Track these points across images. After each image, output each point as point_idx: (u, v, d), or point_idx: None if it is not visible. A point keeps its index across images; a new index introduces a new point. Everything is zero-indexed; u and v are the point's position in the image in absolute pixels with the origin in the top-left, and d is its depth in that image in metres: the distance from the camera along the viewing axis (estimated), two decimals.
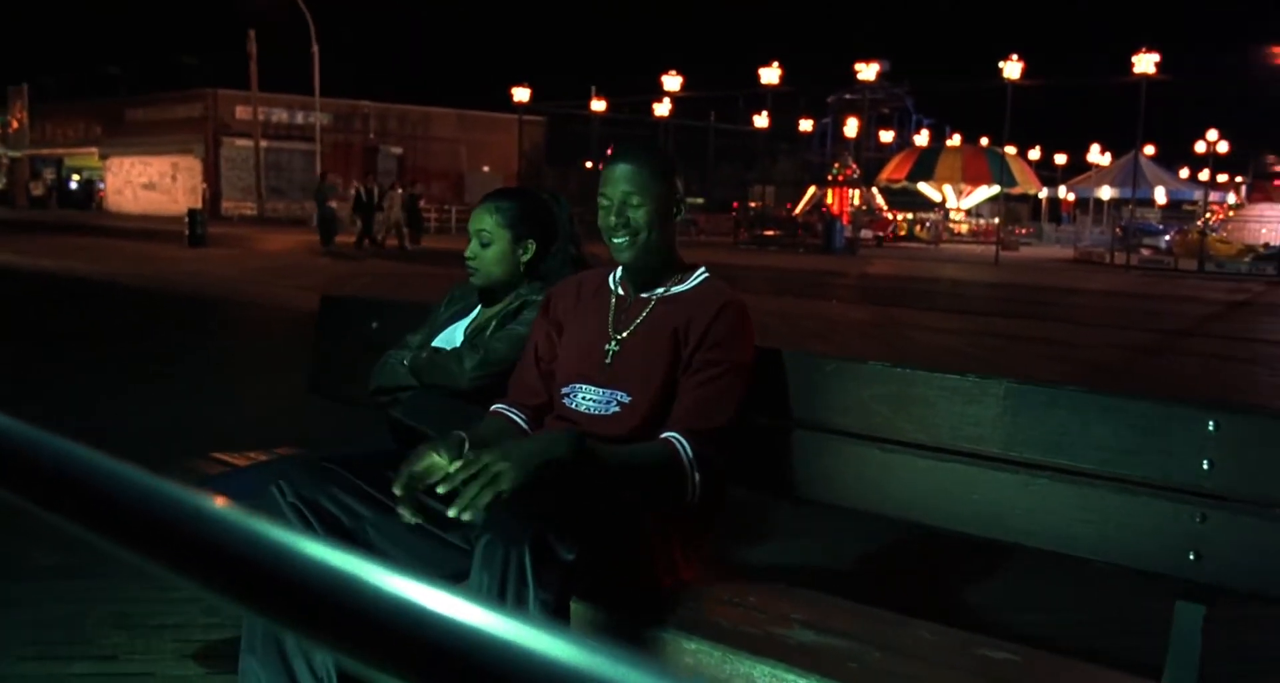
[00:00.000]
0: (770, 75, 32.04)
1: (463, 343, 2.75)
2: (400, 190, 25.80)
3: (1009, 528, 2.19)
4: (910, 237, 40.64)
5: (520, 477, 1.93)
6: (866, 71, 31.49)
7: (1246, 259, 25.71)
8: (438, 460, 2.07)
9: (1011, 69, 26.95)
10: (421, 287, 15.29)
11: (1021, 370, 8.94)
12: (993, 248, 31.96)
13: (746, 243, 35.35)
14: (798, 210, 42.42)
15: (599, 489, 2.10)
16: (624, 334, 2.37)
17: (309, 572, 0.37)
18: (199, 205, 33.80)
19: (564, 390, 2.39)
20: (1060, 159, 57.85)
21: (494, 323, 2.74)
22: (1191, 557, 1.98)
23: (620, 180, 2.32)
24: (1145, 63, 24.96)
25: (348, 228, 26.54)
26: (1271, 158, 33.49)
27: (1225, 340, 12.38)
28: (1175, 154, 52.75)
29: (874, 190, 42.81)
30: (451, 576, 2.19)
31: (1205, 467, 1.98)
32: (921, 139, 55.34)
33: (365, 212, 25.56)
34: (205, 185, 47.39)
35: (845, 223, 34.79)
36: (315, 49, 41.05)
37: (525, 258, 2.82)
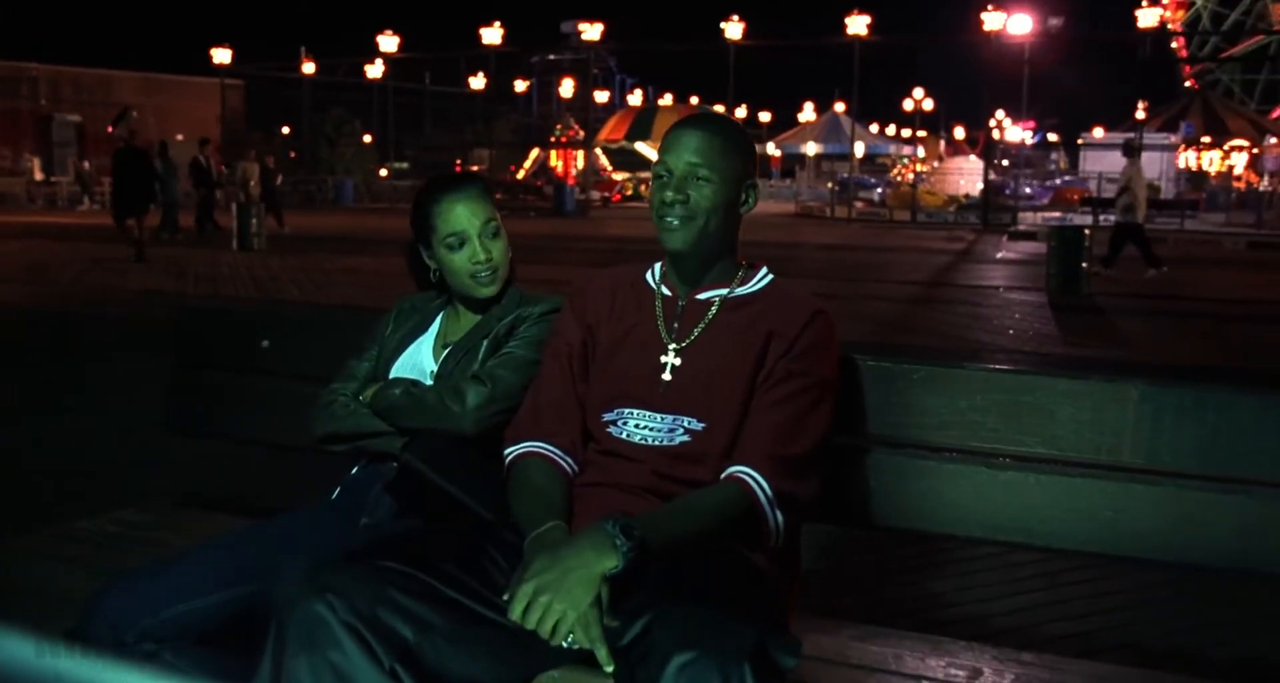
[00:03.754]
0: (492, 35, 31.21)
1: (446, 374, 2.18)
2: (255, 163, 21.59)
3: (1157, 545, 1.95)
4: (636, 196, 41.17)
5: (584, 608, 1.54)
6: (591, 32, 31.34)
7: (952, 209, 27.74)
8: None
9: (733, 29, 27.58)
10: (158, 273, 13.75)
11: None
12: None
13: None
14: (521, 174, 42.04)
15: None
16: (684, 343, 1.93)
17: None
18: None
19: (606, 416, 1.92)
20: (765, 117, 60.37)
21: (484, 344, 2.20)
22: None
23: (687, 150, 1.88)
24: (858, 24, 26.31)
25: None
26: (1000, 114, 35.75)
27: (969, 289, 13.14)
28: (883, 112, 56.30)
29: (597, 151, 43.03)
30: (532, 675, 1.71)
31: None
32: (635, 99, 56.14)
33: (206, 187, 20.62)
34: None
35: (572, 184, 34.74)
36: None
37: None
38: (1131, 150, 14.72)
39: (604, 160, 44.26)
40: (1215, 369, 7.34)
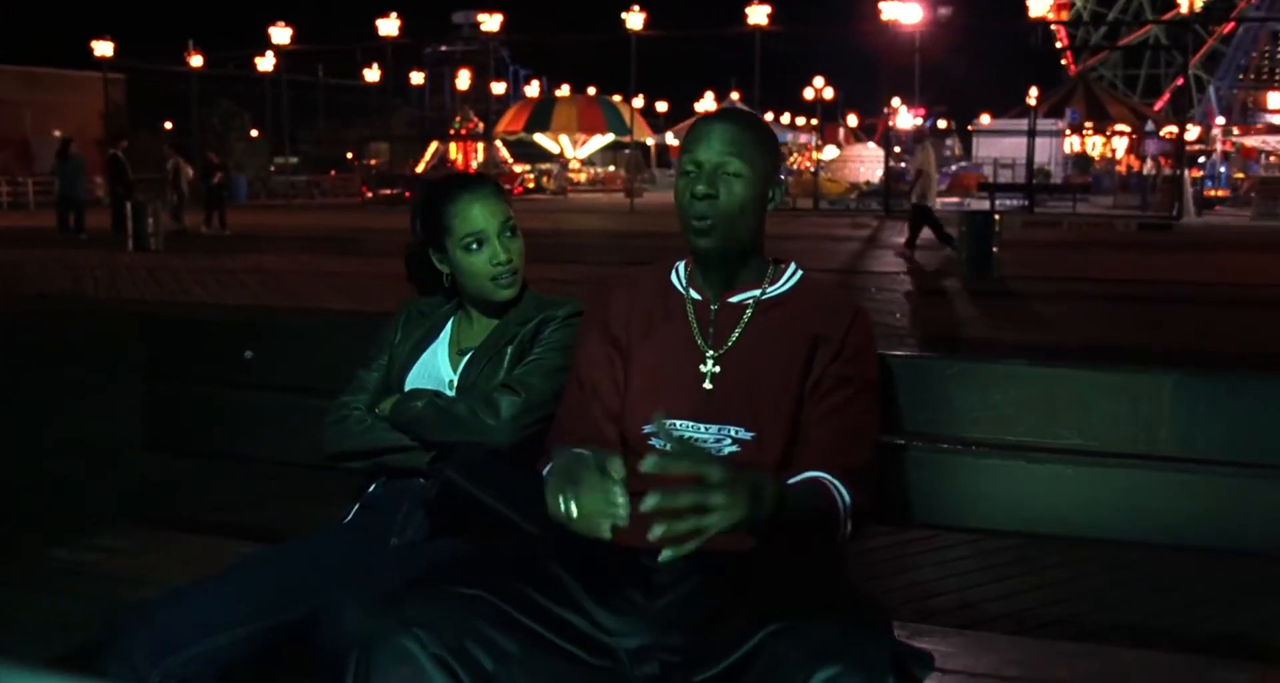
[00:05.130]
0: (389, 27, 30.63)
1: (469, 383, 2.10)
2: (181, 158, 20.38)
3: (1196, 533, 1.98)
4: (538, 189, 40.91)
5: (734, 523, 1.45)
6: (490, 23, 30.98)
7: (853, 196, 28.17)
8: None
9: (634, 20, 27.56)
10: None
11: None
12: (618, 196, 32.90)
13: (374, 203, 33.93)
14: (421, 167, 41.40)
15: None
16: (722, 350, 1.88)
17: None
18: None
19: (647, 429, 1.86)
20: (662, 107, 60.48)
21: (509, 351, 2.12)
22: None
23: (719, 143, 1.82)
24: (758, 14, 26.54)
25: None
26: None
27: (883, 275, 13.37)
28: (783, 101, 56.80)
29: (497, 143, 42.61)
30: None
31: None
32: (532, 90, 55.75)
33: (125, 185, 19.09)
34: None
35: None
36: None
37: None
38: (923, 136, 15.60)
39: (504, 152, 43.85)
40: (1148, 350, 7.58)
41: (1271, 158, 35.05)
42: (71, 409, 5.10)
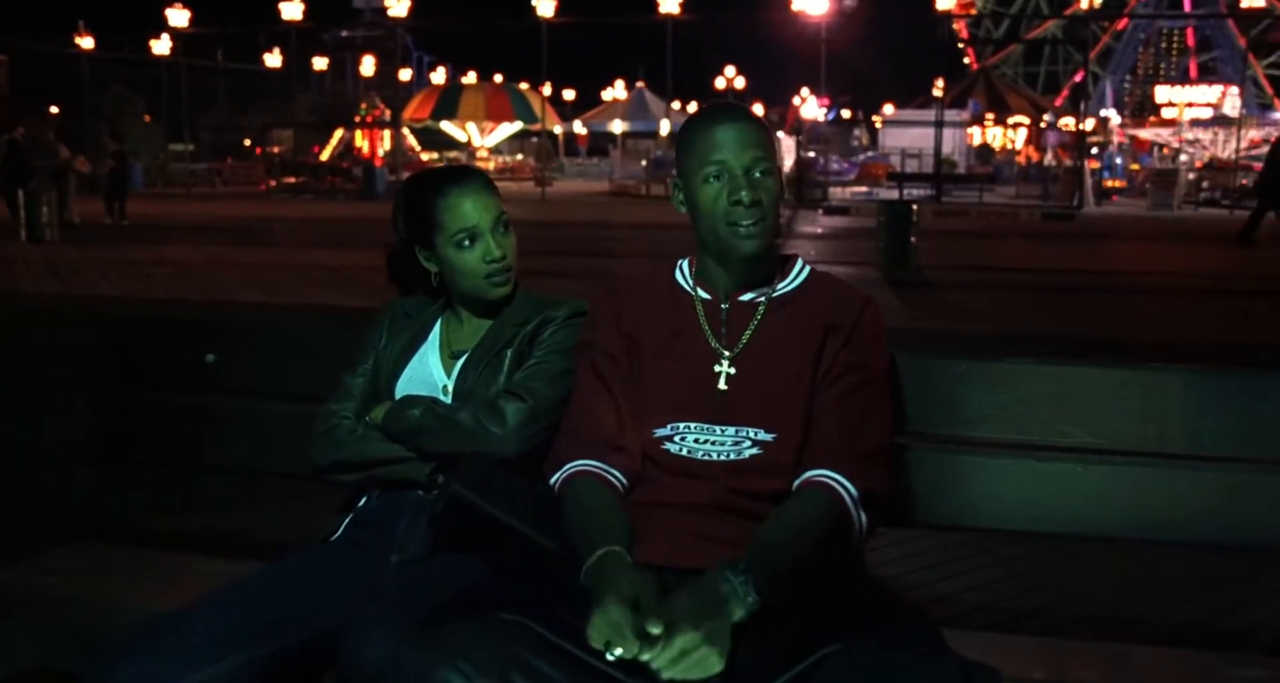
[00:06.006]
0: (292, 10, 29.84)
1: (465, 389, 2.00)
2: (61, 142, 19.41)
3: (1205, 528, 1.99)
4: None
5: (723, 655, 1.42)
6: (398, 8, 30.42)
7: None
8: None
9: (545, 7, 27.31)
10: None
11: None
12: (528, 185, 32.62)
13: (278, 192, 33.08)
14: (326, 155, 40.54)
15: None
16: (737, 350, 1.82)
17: None
18: None
19: (660, 432, 1.80)
20: (569, 94, 60.19)
21: (509, 355, 2.02)
22: None
23: (749, 144, 1.77)
24: (670, 3, 26.54)
25: None
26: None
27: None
28: (693, 89, 56.93)
29: (405, 131, 41.91)
30: None
31: None
32: (438, 77, 54.99)
33: (18, 176, 17.74)
34: None
35: (378, 165, 33.75)
36: None
37: None
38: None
39: (411, 140, 43.18)
40: (1081, 339, 7.75)
41: (1164, 150, 36.43)
42: (12, 418, 4.77)
